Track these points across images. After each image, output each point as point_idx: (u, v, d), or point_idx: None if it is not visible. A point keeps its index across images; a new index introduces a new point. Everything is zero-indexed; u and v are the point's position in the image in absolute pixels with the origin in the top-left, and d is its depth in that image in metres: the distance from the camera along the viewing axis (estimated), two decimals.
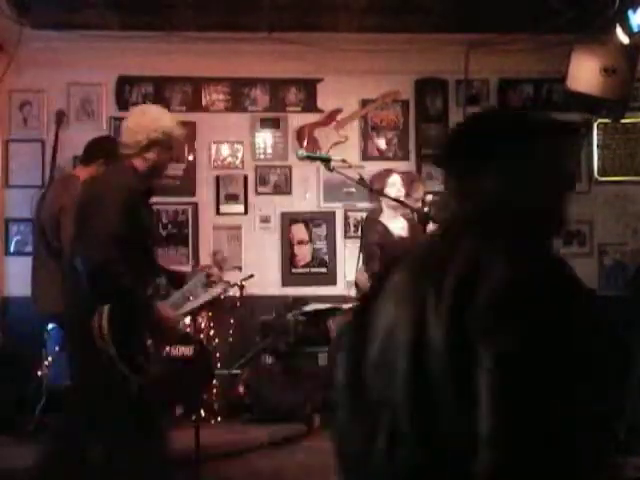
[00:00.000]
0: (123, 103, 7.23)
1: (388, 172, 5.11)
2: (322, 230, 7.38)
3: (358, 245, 5.53)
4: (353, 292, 6.18)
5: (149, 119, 3.48)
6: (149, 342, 3.45)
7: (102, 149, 4.65)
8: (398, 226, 4.90)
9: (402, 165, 7.19)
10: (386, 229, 4.86)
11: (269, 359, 6.48)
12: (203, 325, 6.39)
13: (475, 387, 1.19)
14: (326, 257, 7.36)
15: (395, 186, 4.80)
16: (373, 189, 4.92)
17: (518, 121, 1.61)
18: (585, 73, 5.50)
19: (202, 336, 6.29)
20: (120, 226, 3.23)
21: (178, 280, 3.82)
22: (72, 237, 3.37)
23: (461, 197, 1.52)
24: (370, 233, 4.98)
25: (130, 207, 3.32)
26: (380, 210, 4.95)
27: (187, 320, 6.17)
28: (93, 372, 3.33)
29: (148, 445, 3.44)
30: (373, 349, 1.40)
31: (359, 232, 7.19)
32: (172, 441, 3.72)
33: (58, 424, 3.65)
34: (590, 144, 7.50)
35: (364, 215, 7.22)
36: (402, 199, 4.76)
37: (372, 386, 1.37)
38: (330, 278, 7.32)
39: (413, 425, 1.25)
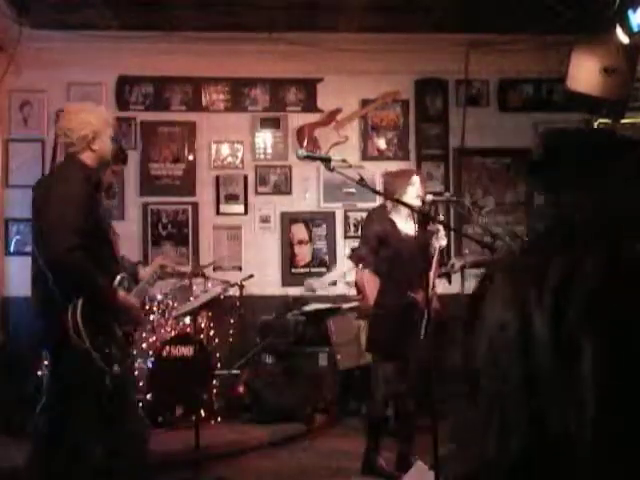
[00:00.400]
0: (123, 103, 7.23)
1: (410, 172, 5.09)
2: (322, 230, 7.38)
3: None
4: (353, 292, 6.19)
5: (87, 113, 3.61)
6: (120, 334, 3.50)
7: None
8: (408, 226, 4.88)
9: (402, 165, 7.19)
10: (394, 225, 4.84)
11: (269, 359, 6.49)
12: (203, 325, 6.39)
13: (579, 379, 1.28)
14: (326, 257, 7.36)
15: (415, 186, 4.80)
16: (387, 188, 4.92)
17: (611, 138, 1.71)
18: (585, 73, 5.49)
19: (202, 336, 6.29)
20: (77, 218, 3.32)
21: (137, 276, 3.94)
22: (33, 240, 3.43)
23: (558, 208, 1.60)
24: (373, 224, 4.95)
25: (84, 200, 3.41)
26: (391, 208, 4.92)
27: (187, 320, 6.19)
28: (70, 369, 3.36)
29: (121, 440, 3.47)
30: (482, 346, 1.51)
31: (359, 232, 7.21)
32: (147, 435, 3.74)
33: (40, 424, 3.67)
34: None
35: (364, 215, 7.23)
36: (418, 199, 4.77)
37: (482, 381, 1.47)
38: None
39: (522, 417, 1.32)
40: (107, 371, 3.35)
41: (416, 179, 4.84)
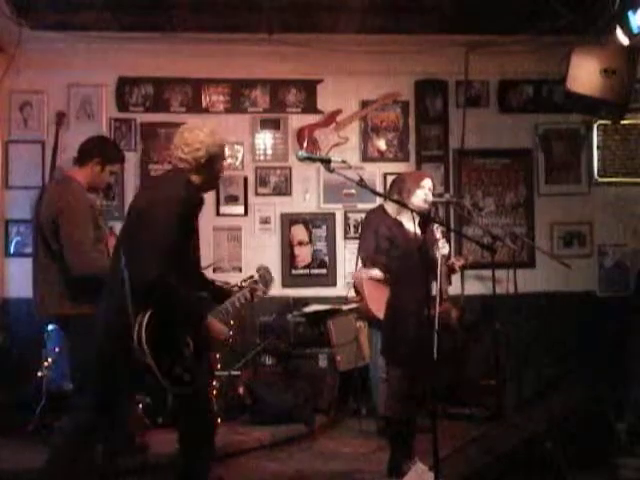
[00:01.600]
0: (123, 104, 7.23)
1: (423, 175, 5.05)
2: (322, 231, 7.38)
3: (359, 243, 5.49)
4: (352, 293, 6.18)
5: (206, 135, 3.59)
6: (189, 352, 3.45)
7: (96, 149, 4.62)
8: (412, 226, 4.83)
9: (402, 166, 7.20)
10: (400, 225, 4.80)
11: (269, 360, 6.49)
12: None
13: None
14: (326, 258, 7.36)
15: (425, 189, 4.77)
16: (396, 188, 4.87)
17: None
18: (585, 74, 5.49)
19: None
20: (170, 239, 3.28)
21: (222, 295, 3.88)
22: (122, 249, 3.37)
23: None
24: (380, 226, 4.89)
25: (181, 220, 3.38)
26: (397, 209, 4.88)
27: None
28: (124, 374, 3.35)
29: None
30: None
31: (359, 233, 7.20)
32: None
33: (70, 424, 3.65)
34: (590, 145, 7.51)
35: (364, 216, 7.23)
36: (425, 203, 4.73)
37: None
38: (330, 279, 7.32)
39: None
40: (169, 388, 3.33)
41: (427, 182, 4.82)
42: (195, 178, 3.57)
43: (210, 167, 3.58)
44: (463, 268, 5.88)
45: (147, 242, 3.25)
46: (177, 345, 3.39)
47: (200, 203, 3.67)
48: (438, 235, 4.69)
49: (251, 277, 5.67)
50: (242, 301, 3.87)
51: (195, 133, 3.57)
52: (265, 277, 4.04)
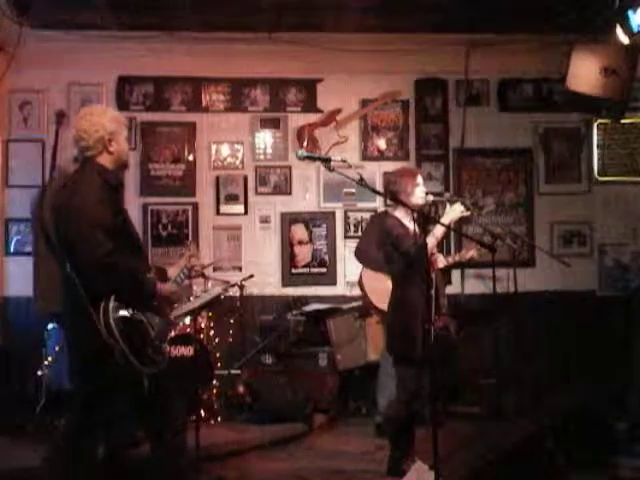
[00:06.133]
0: (123, 103, 7.23)
1: (414, 171, 4.99)
2: (322, 230, 7.38)
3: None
4: (356, 292, 6.16)
5: (99, 115, 3.64)
6: (155, 332, 3.53)
7: None
8: (410, 223, 4.80)
9: (402, 165, 7.19)
10: (403, 225, 4.78)
11: (269, 359, 6.48)
12: (203, 325, 6.39)
13: None
14: (326, 257, 7.35)
15: (421, 185, 4.75)
16: (393, 189, 4.84)
17: None
18: (585, 73, 5.49)
19: (202, 336, 6.29)
20: (105, 223, 3.34)
21: (166, 275, 3.93)
22: (58, 246, 3.43)
23: None
24: (395, 228, 4.81)
25: (107, 204, 3.44)
26: (396, 209, 4.86)
27: (187, 320, 6.19)
28: (107, 371, 3.36)
29: (163, 438, 3.51)
30: None
31: (359, 232, 7.20)
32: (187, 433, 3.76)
33: (68, 423, 3.67)
34: (590, 144, 7.51)
35: (364, 215, 7.23)
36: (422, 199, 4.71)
37: None
38: (330, 278, 7.31)
39: None
40: (144, 370, 3.37)
41: (420, 179, 4.81)
42: (105, 160, 3.60)
43: (115, 145, 3.61)
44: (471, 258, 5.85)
45: (82, 230, 3.30)
46: (143, 326, 3.45)
47: (118, 184, 3.69)
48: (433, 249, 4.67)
49: (251, 276, 5.65)
50: (182, 277, 3.96)
51: (88, 118, 3.62)
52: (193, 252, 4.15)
